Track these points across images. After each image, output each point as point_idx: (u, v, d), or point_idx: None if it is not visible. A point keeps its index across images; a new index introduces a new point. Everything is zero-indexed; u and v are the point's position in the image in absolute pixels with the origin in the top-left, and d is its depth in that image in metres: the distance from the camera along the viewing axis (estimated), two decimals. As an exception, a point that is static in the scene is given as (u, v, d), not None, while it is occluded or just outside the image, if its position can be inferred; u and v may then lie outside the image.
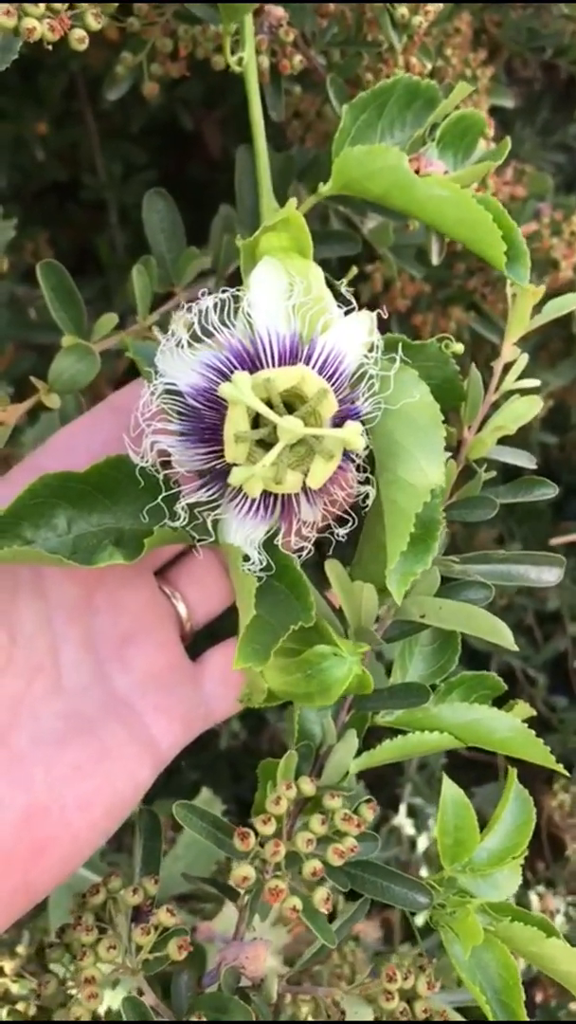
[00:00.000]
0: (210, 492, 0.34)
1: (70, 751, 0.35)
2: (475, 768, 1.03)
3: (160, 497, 0.34)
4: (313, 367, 0.33)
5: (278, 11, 0.48)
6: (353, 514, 0.36)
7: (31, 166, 0.84)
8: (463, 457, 0.43)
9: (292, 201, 0.37)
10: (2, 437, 0.42)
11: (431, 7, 0.51)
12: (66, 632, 0.36)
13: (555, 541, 1.01)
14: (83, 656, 0.37)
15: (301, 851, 0.36)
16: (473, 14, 0.77)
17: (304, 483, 0.33)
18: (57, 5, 0.35)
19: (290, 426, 0.30)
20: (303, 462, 0.33)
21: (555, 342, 0.93)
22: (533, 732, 0.39)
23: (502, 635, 0.38)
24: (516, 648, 0.38)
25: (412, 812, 0.89)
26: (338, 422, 0.33)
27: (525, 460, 0.44)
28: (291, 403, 0.33)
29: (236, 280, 0.52)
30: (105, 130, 0.86)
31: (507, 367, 0.42)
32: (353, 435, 0.31)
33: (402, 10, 0.50)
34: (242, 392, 0.30)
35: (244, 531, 0.34)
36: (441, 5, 0.52)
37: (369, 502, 0.36)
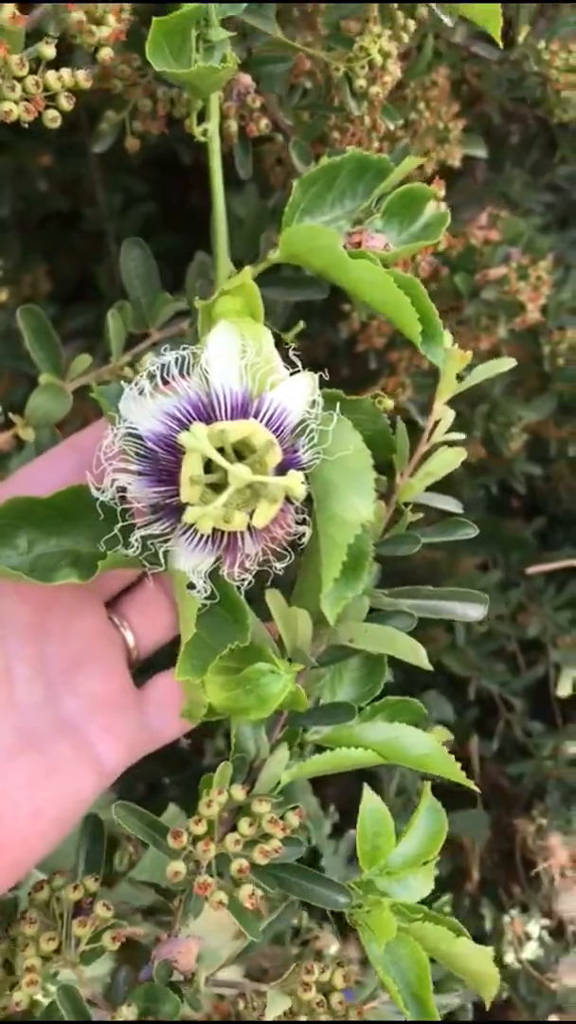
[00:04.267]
0: (163, 526, 0.41)
1: (23, 763, 0.41)
2: (456, 795, 1.10)
3: (117, 527, 0.41)
4: (261, 421, 0.40)
5: (246, 79, 0.56)
6: (291, 550, 0.43)
7: (34, 196, 0.91)
8: (394, 500, 0.50)
9: (247, 269, 0.44)
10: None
11: (389, 77, 0.59)
12: (20, 653, 0.43)
13: (531, 570, 1.10)
14: (35, 677, 0.43)
15: (230, 851, 0.43)
16: (453, 66, 0.86)
17: (249, 522, 0.40)
18: (32, 88, 0.42)
19: (240, 473, 0.38)
20: (249, 504, 0.40)
21: (531, 378, 1.02)
22: (447, 751, 0.46)
23: (418, 656, 0.45)
24: (430, 667, 0.45)
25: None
26: (282, 470, 0.40)
27: (451, 505, 0.52)
28: (241, 452, 0.40)
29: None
30: (106, 163, 0.93)
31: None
32: (295, 483, 0.39)
33: (360, 81, 0.58)
34: (199, 441, 0.38)
35: (192, 562, 0.41)
36: (399, 73, 0.61)
37: (306, 540, 0.43)
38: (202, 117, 0.52)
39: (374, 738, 0.47)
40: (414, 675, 1.19)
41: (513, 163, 1.05)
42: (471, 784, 0.47)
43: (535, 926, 0.95)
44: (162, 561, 0.42)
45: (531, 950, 0.94)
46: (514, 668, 1.17)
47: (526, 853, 0.99)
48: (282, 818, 0.44)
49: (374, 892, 0.45)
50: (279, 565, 0.43)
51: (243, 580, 0.42)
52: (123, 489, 0.41)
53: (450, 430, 0.50)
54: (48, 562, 0.41)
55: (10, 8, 0.40)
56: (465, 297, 0.84)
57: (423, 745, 0.46)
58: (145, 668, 0.48)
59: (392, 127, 0.63)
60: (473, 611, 0.51)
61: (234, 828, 0.44)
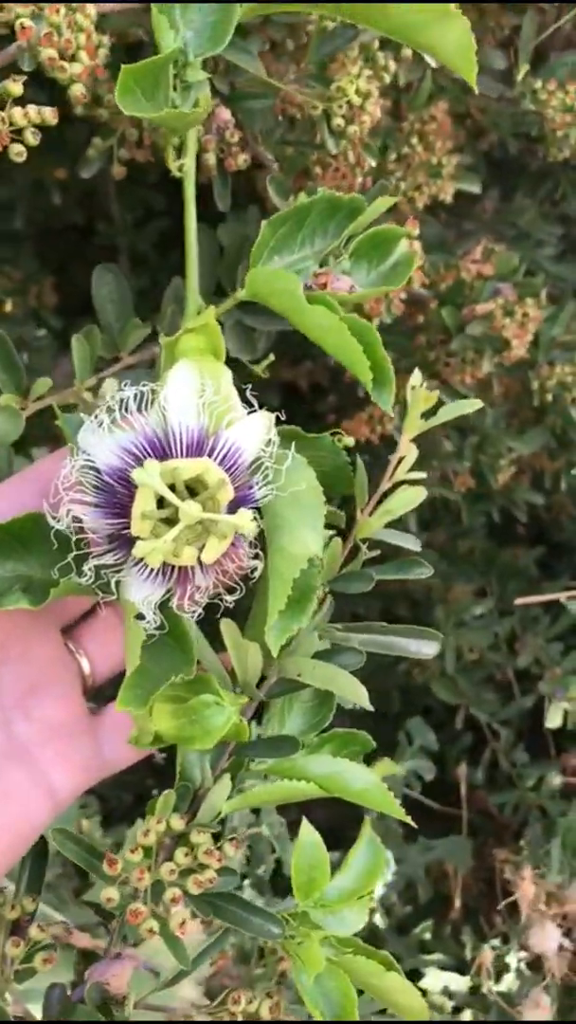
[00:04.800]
0: (116, 556, 0.42)
1: None
2: (442, 821, 1.11)
3: (70, 556, 0.42)
4: (216, 459, 0.41)
5: (224, 114, 0.58)
6: (241, 584, 0.44)
7: (49, 209, 0.92)
8: (353, 536, 0.52)
9: (210, 309, 0.46)
10: None
11: (367, 116, 0.61)
12: None
13: (520, 601, 1.11)
14: None
15: (165, 880, 0.44)
16: (457, 100, 0.87)
17: (199, 557, 0.41)
18: None
19: (190, 510, 0.39)
20: (200, 539, 0.41)
21: (525, 411, 1.03)
22: (386, 786, 0.48)
23: (359, 695, 0.47)
24: (371, 707, 0.47)
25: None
26: (235, 506, 0.42)
27: (409, 543, 0.53)
28: (194, 487, 0.41)
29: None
30: (124, 177, 0.94)
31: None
32: (244, 521, 0.40)
33: (337, 120, 0.60)
34: (151, 478, 0.39)
35: (143, 593, 0.43)
36: (379, 113, 0.62)
37: (257, 575, 0.44)
38: (180, 152, 0.54)
39: (317, 771, 0.48)
40: (412, 699, 1.21)
41: (524, 194, 1.06)
42: (406, 818, 0.48)
43: (513, 957, 0.95)
44: (114, 590, 0.43)
45: (508, 981, 0.95)
46: (507, 697, 1.18)
47: (505, 884, 1.00)
48: (219, 848, 0.45)
49: (307, 924, 0.46)
50: (230, 598, 0.44)
51: (193, 612, 0.44)
52: (78, 519, 0.42)
53: (441, 459, 0.51)
54: (1, 586, 0.43)
55: None
56: (452, 331, 0.86)
57: (363, 780, 0.47)
58: (101, 695, 0.50)
59: (373, 163, 0.65)
60: (427, 648, 0.52)
61: (172, 858, 0.45)
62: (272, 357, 0.62)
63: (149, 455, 0.41)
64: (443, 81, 0.81)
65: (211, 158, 0.59)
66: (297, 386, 1.13)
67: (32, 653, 0.46)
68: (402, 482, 0.51)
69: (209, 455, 0.41)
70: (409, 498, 0.51)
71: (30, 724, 0.45)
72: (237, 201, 0.65)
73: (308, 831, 0.46)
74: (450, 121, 0.82)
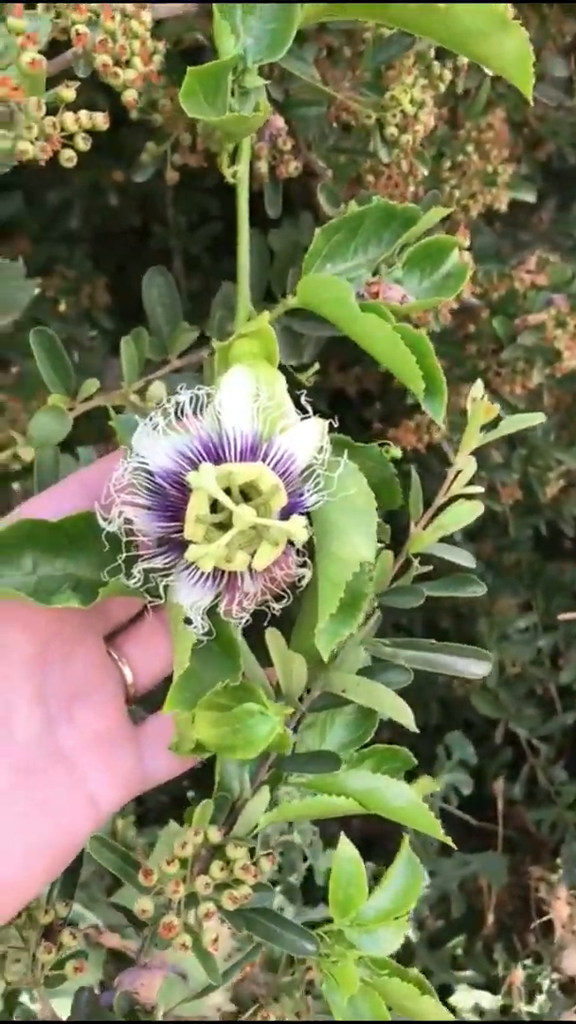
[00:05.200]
0: (166, 560, 0.42)
1: (17, 801, 0.42)
2: (478, 836, 1.10)
3: (121, 558, 0.42)
4: (269, 464, 0.41)
5: (278, 122, 0.58)
6: (289, 591, 0.44)
7: (106, 211, 0.92)
8: (405, 550, 0.51)
9: (264, 314, 0.46)
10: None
11: (420, 126, 0.61)
12: (22, 688, 0.43)
13: (564, 616, 1.10)
14: (34, 710, 0.44)
15: (199, 893, 0.44)
16: (515, 107, 0.87)
17: (250, 563, 0.41)
18: (49, 130, 0.44)
19: (244, 515, 0.39)
20: (251, 544, 0.41)
21: (575, 423, 1.03)
22: (426, 804, 0.47)
23: (404, 715, 0.46)
24: (416, 729, 0.46)
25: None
26: (287, 513, 0.41)
27: (463, 559, 0.52)
28: (248, 493, 0.41)
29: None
30: (180, 180, 0.95)
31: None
32: (297, 527, 0.40)
33: (390, 129, 0.60)
34: (206, 481, 0.39)
35: (192, 598, 0.42)
36: (433, 122, 0.62)
37: (305, 582, 0.44)
38: (234, 158, 0.54)
39: (356, 787, 0.48)
40: (452, 712, 1.20)
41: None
42: (445, 838, 0.48)
43: (546, 978, 0.94)
44: (162, 594, 0.43)
45: (540, 1003, 0.93)
46: (548, 713, 1.17)
47: (539, 903, 0.99)
48: (255, 863, 0.44)
49: (343, 943, 0.46)
50: (277, 606, 0.44)
51: (241, 619, 0.43)
52: (129, 521, 0.42)
53: (489, 470, 0.51)
54: (50, 585, 0.43)
55: (30, 54, 0.42)
56: (503, 341, 0.86)
57: (403, 797, 0.47)
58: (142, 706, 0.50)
59: (426, 172, 0.65)
60: (476, 668, 0.51)
61: (207, 870, 0.45)
62: (317, 365, 0.62)
63: (203, 459, 0.41)
64: (501, 88, 0.81)
65: (263, 165, 0.60)
66: (345, 392, 1.13)
67: (76, 658, 0.45)
68: (458, 496, 0.51)
69: (263, 460, 0.41)
70: (465, 513, 0.50)
71: (74, 730, 0.45)
72: (289, 207, 0.65)
73: (347, 847, 0.46)
74: (507, 129, 0.81)
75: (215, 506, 0.40)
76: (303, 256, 0.66)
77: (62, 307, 0.89)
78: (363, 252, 0.52)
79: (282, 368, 0.57)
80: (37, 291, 0.64)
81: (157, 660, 0.48)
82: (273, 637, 0.47)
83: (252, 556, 0.41)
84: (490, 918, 1.04)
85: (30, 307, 0.74)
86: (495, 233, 0.94)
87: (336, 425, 0.44)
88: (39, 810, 0.42)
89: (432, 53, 0.60)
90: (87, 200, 0.93)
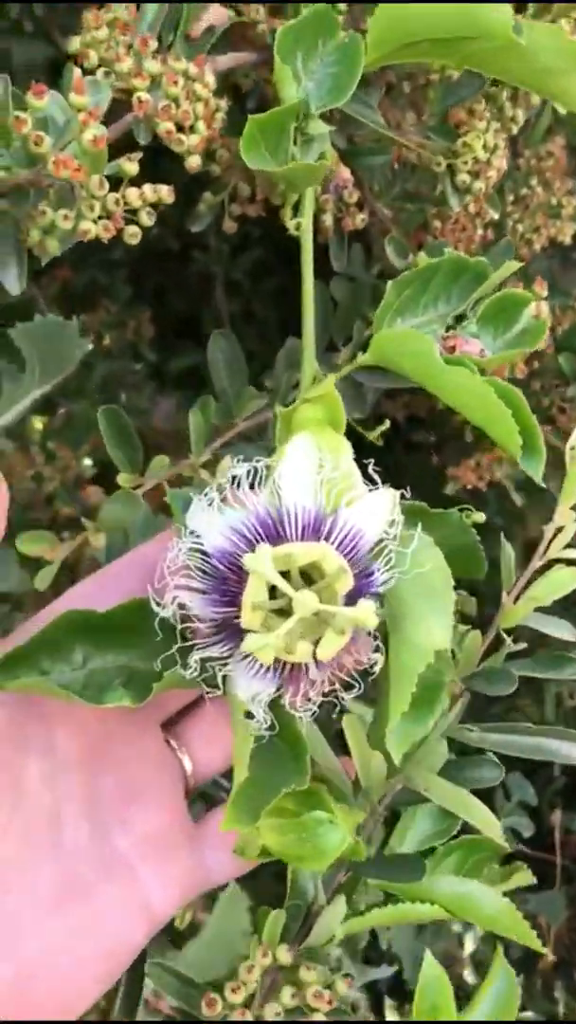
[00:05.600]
0: (224, 648, 0.38)
1: (65, 916, 0.38)
2: (534, 865, 1.04)
3: (175, 648, 0.39)
4: (334, 543, 0.37)
5: (345, 173, 0.55)
6: (360, 679, 0.40)
7: (146, 236, 0.92)
8: (496, 625, 0.46)
9: (330, 379, 0.42)
10: (48, 576, 0.47)
11: (493, 172, 0.57)
12: (70, 790, 0.40)
13: None
14: (84, 814, 0.40)
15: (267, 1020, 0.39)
16: (574, 132, 0.83)
17: (314, 653, 0.37)
18: (112, 207, 0.41)
19: (305, 602, 0.35)
20: (315, 631, 0.37)
21: None
22: (518, 911, 0.42)
23: (492, 829, 0.41)
24: (505, 844, 0.41)
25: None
26: (354, 595, 0.37)
27: (567, 632, 0.47)
28: (310, 574, 0.37)
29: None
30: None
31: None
32: (366, 615, 0.36)
33: (463, 176, 0.56)
34: (264, 566, 0.35)
35: (252, 689, 0.39)
36: (504, 165, 0.59)
37: (377, 669, 0.40)
38: (297, 209, 0.51)
39: (443, 893, 0.43)
40: None
41: None
42: (542, 948, 0.43)
43: None
44: (220, 685, 0.39)
45: None
46: None
47: None
48: (329, 987, 0.40)
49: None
50: (347, 696, 0.40)
51: (307, 711, 0.39)
52: (184, 606, 0.38)
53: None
54: (101, 679, 0.39)
55: (92, 131, 0.40)
56: (569, 377, 0.81)
57: (494, 904, 0.42)
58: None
59: (496, 216, 0.61)
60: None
61: (277, 986, 0.40)
62: (388, 423, 0.58)
63: (262, 538, 0.37)
64: (559, 114, 0.77)
65: (328, 218, 0.57)
66: (394, 419, 1.10)
67: (131, 753, 0.42)
68: (556, 561, 0.46)
69: (327, 538, 0.38)
70: (566, 581, 0.45)
71: (128, 834, 0.41)
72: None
73: (431, 966, 0.41)
74: (566, 155, 0.77)
75: (274, 591, 0.37)
76: (365, 305, 0.64)
77: (106, 341, 0.87)
78: (434, 307, 0.48)
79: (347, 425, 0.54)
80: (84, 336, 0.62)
81: (219, 748, 0.44)
82: (352, 729, 0.42)
83: (316, 645, 0.37)
84: (550, 956, 0.99)
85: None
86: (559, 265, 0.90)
87: (408, 496, 0.40)
88: (89, 923, 0.39)
89: (504, 95, 0.56)
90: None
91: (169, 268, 1.00)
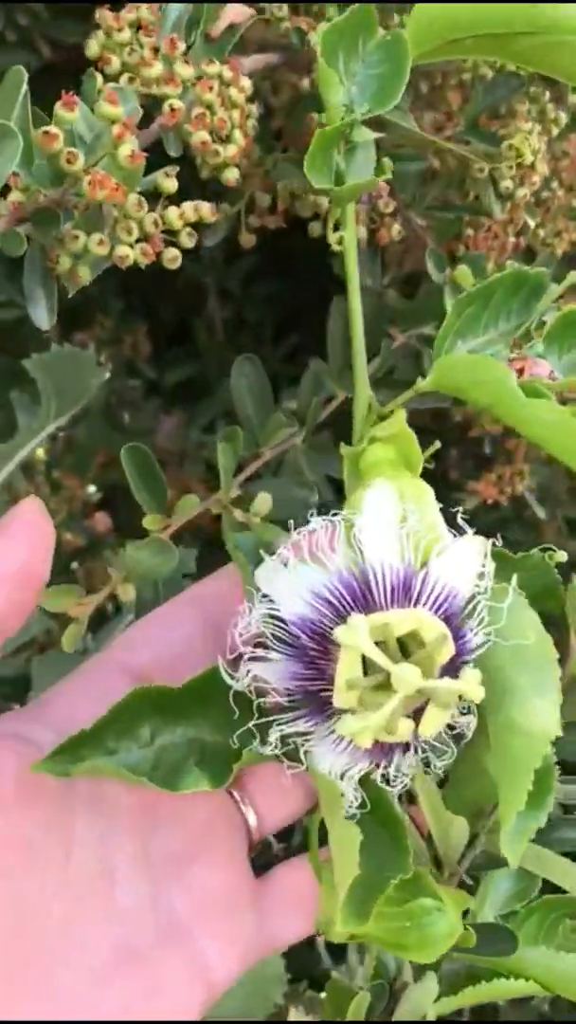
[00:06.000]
0: (308, 722, 0.35)
1: (118, 987, 0.35)
2: None
3: (252, 723, 0.35)
4: (427, 602, 0.34)
5: (381, 183, 0.51)
6: (452, 745, 0.36)
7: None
8: (569, 670, 0.43)
9: (400, 413, 0.38)
10: (75, 636, 0.43)
11: (537, 176, 0.53)
12: (124, 847, 0.36)
13: None
14: (140, 875, 0.37)
15: None
16: None
17: (415, 730, 0.33)
18: (151, 228, 0.37)
19: (408, 679, 0.31)
20: (412, 702, 0.33)
21: None
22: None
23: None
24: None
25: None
26: (450, 667, 0.34)
27: None
28: (404, 642, 0.34)
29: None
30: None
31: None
32: (472, 687, 0.32)
33: (506, 182, 0.52)
34: (360, 639, 0.31)
35: (340, 765, 0.35)
36: (547, 170, 0.55)
37: (470, 732, 0.36)
38: (337, 223, 0.47)
39: (536, 965, 0.40)
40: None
41: None
42: None
43: None
44: (303, 760, 0.35)
45: None
46: None
47: None
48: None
49: None
50: (440, 764, 0.36)
51: (400, 785, 0.36)
52: (260, 679, 0.35)
53: None
54: (174, 756, 0.35)
55: (129, 146, 0.35)
56: None
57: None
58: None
59: (532, 223, 0.58)
60: None
61: None
62: (439, 443, 0.54)
63: (346, 602, 0.33)
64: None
65: (361, 230, 0.52)
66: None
67: (190, 809, 0.38)
68: None
69: (418, 600, 0.34)
70: None
71: (186, 896, 0.37)
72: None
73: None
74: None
75: (366, 663, 0.33)
76: (386, 322, 0.60)
77: (103, 358, 0.82)
78: (494, 326, 0.44)
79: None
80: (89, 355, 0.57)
81: (285, 801, 0.40)
82: (428, 794, 0.39)
83: (415, 718, 0.33)
84: None
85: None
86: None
87: (500, 543, 0.37)
88: (144, 993, 0.35)
89: (547, 95, 0.53)
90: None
91: (158, 277, 0.96)
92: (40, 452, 0.61)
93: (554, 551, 0.41)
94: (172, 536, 0.49)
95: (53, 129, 0.36)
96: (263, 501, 0.48)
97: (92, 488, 0.69)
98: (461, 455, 0.87)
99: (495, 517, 0.83)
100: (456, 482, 0.90)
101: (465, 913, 0.42)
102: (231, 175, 0.42)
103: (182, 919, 0.37)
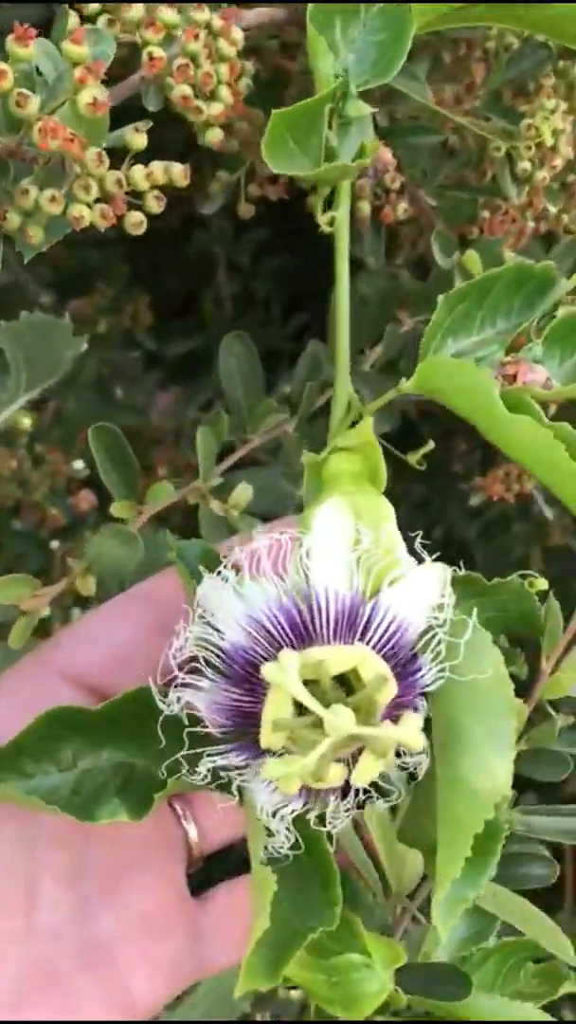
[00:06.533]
0: (241, 756, 0.32)
1: (30, 1011, 0.33)
2: None
3: (181, 753, 0.32)
4: (373, 638, 0.31)
5: (386, 155, 0.47)
6: (400, 787, 0.34)
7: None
8: (536, 696, 0.40)
9: (367, 423, 0.35)
10: (24, 631, 0.40)
11: (559, 159, 0.49)
12: (50, 861, 0.35)
13: None
14: (65, 892, 0.35)
15: None
16: None
17: (347, 777, 0.30)
18: (113, 188, 0.33)
19: (340, 726, 0.28)
20: (347, 747, 0.31)
21: None
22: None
23: (562, 947, 0.35)
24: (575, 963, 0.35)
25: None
26: (397, 701, 0.31)
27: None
28: (345, 677, 0.31)
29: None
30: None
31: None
32: (412, 736, 0.29)
33: (524, 163, 0.48)
34: (288, 679, 0.28)
35: (273, 803, 0.32)
36: (572, 153, 0.50)
37: (421, 774, 0.33)
38: (330, 201, 0.43)
39: (491, 1014, 0.37)
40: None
41: None
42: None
43: None
44: (235, 794, 0.33)
45: None
46: None
47: None
48: None
49: None
50: (383, 804, 0.33)
51: (336, 826, 0.33)
52: (193, 706, 0.32)
53: None
54: (95, 781, 0.33)
55: (91, 92, 0.31)
56: None
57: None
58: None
59: (553, 209, 0.53)
60: None
61: None
62: (432, 444, 0.51)
63: (284, 632, 0.30)
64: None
65: (365, 207, 0.49)
66: (405, 413, 1.02)
67: (126, 826, 0.36)
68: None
69: (364, 631, 0.31)
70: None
71: (115, 912, 0.35)
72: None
73: None
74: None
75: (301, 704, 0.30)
76: (395, 306, 0.56)
77: (102, 328, 0.79)
78: (491, 324, 0.40)
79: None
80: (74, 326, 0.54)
81: (231, 819, 0.38)
82: (381, 829, 0.36)
83: (351, 764, 0.30)
84: None
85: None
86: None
87: (461, 573, 0.33)
88: (56, 1018, 0.33)
89: (576, 70, 0.48)
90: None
91: (167, 247, 0.93)
92: (25, 422, 0.58)
93: (536, 578, 0.38)
94: (160, 522, 0.47)
95: (2, 65, 0.33)
96: (242, 492, 0.45)
97: (79, 464, 0.66)
98: (469, 447, 0.83)
99: (499, 511, 0.79)
100: (462, 475, 0.87)
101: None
102: (214, 136, 0.38)
103: (106, 940, 0.35)
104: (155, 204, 0.35)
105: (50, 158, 0.34)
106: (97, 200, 0.35)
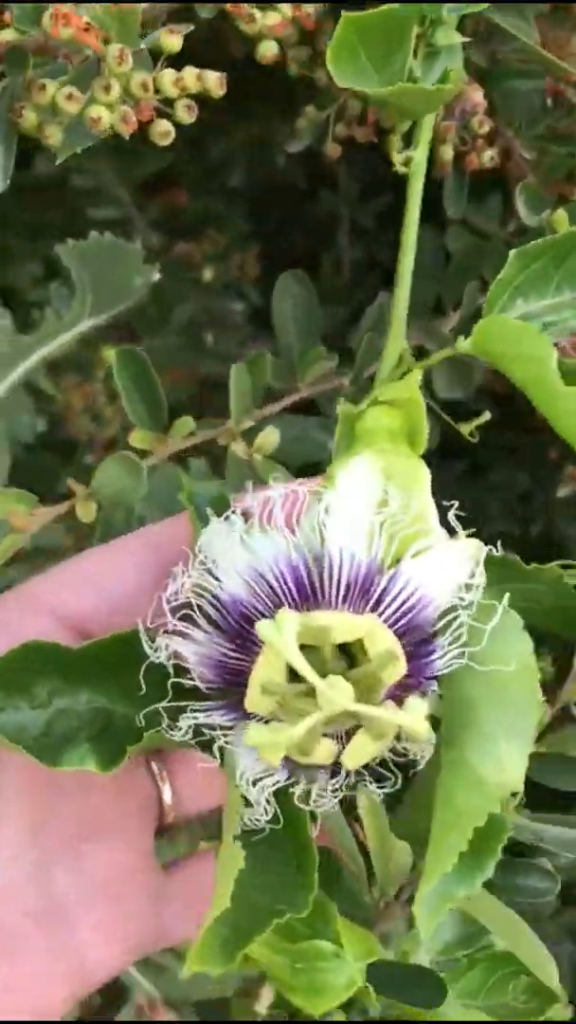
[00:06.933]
0: (227, 716, 0.29)
1: None
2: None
3: (162, 704, 0.30)
4: (385, 611, 0.28)
5: (476, 96, 0.43)
6: (398, 772, 0.31)
7: (271, 169, 0.81)
8: (561, 698, 0.37)
9: (414, 376, 0.32)
10: (11, 545, 0.37)
11: None
12: (12, 815, 0.32)
13: None
14: (25, 848, 0.32)
15: None
16: None
17: (338, 756, 0.28)
18: (138, 91, 0.30)
19: (335, 697, 0.25)
20: (342, 723, 0.28)
21: None
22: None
23: (546, 972, 0.32)
24: (558, 988, 0.32)
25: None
26: (405, 681, 0.28)
27: None
28: (350, 649, 0.28)
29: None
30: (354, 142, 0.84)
31: None
32: (415, 721, 0.26)
33: None
34: (283, 640, 0.25)
35: (255, 771, 0.30)
36: None
37: (422, 763, 0.30)
38: (409, 139, 0.40)
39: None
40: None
41: None
42: None
43: None
44: (216, 755, 0.30)
45: None
46: None
47: None
48: None
49: None
50: (378, 791, 0.31)
51: (323, 806, 0.30)
52: (181, 656, 0.29)
53: None
54: (69, 724, 0.30)
55: None
56: None
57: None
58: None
59: None
60: None
61: None
62: (488, 414, 0.47)
63: (289, 591, 0.28)
64: None
65: (448, 150, 0.45)
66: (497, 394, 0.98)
67: (99, 780, 0.33)
68: None
69: (378, 603, 0.28)
70: None
71: (75, 878, 0.33)
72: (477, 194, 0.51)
73: None
74: None
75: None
76: (489, 266, 0.52)
77: (208, 276, 0.76)
78: (569, 287, 0.37)
79: (437, 411, 0.43)
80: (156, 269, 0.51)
81: (211, 784, 0.35)
82: (372, 817, 0.33)
83: (342, 746, 0.28)
84: None
85: (171, 272, 0.62)
86: None
87: (497, 553, 0.30)
88: (3, 984, 0.31)
89: None
90: (251, 156, 0.81)
91: (291, 205, 0.90)
92: (109, 353, 0.56)
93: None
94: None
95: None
96: (268, 436, 0.42)
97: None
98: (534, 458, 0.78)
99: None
100: (556, 462, 0.82)
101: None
102: (268, 50, 0.35)
103: (64, 902, 0.33)
104: (185, 114, 0.32)
105: (86, 58, 0.31)
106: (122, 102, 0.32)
